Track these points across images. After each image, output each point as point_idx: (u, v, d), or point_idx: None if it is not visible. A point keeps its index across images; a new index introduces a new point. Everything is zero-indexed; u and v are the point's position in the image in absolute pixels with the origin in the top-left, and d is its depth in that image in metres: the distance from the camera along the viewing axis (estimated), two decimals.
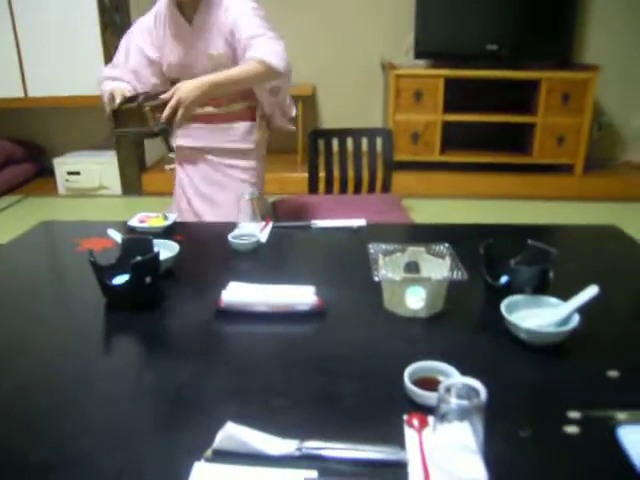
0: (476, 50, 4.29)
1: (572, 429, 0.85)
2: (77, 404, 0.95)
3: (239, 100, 2.08)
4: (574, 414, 0.88)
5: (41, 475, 0.79)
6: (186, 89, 1.74)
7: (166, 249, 1.38)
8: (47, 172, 4.80)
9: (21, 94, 4.44)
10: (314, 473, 0.77)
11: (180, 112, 1.72)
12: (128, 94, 1.83)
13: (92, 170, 4.53)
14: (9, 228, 2.30)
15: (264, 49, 1.84)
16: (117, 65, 2.04)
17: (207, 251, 1.57)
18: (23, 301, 1.33)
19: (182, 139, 2.16)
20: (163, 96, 1.74)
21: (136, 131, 1.75)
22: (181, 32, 1.98)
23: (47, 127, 4.90)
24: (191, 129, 2.10)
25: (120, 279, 1.25)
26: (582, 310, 1.08)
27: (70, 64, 4.20)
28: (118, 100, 1.77)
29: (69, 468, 0.80)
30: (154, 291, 1.28)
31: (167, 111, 1.70)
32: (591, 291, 1.09)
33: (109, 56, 4.09)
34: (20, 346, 1.13)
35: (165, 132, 1.76)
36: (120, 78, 1.99)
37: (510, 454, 0.81)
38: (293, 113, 2.30)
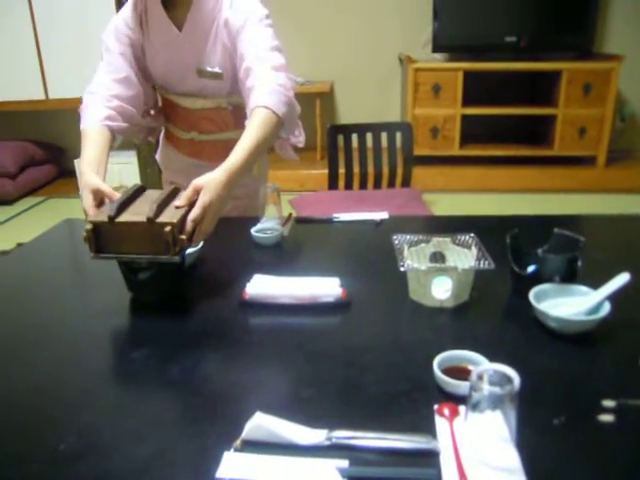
0: (495, 42, 4.25)
1: (607, 417, 0.84)
2: (105, 394, 0.96)
3: (232, 128, 1.71)
4: (608, 403, 0.86)
5: (72, 463, 0.79)
6: (212, 189, 1.24)
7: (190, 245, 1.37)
8: (68, 173, 4.85)
9: (42, 96, 4.49)
10: (345, 462, 0.76)
11: (206, 222, 1.23)
12: (110, 195, 1.29)
13: (112, 170, 4.51)
14: (32, 229, 2.33)
15: (269, 95, 1.45)
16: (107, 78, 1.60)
17: (230, 245, 1.57)
18: (48, 296, 1.34)
19: (172, 175, 1.88)
20: (177, 203, 1.22)
21: (149, 259, 1.18)
22: (167, 37, 1.60)
23: (68, 129, 4.95)
24: (179, 163, 1.83)
25: (144, 273, 1.25)
26: (613, 298, 1.06)
27: (90, 66, 4.22)
28: (108, 208, 1.19)
29: (99, 456, 0.80)
30: (179, 284, 1.28)
31: (190, 226, 1.19)
32: (622, 279, 1.07)
33: None
34: (47, 338, 1.14)
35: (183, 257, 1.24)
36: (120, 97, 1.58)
37: (544, 443, 0.80)
38: (300, 144, 1.84)
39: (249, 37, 1.53)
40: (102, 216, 1.18)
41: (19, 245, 2.00)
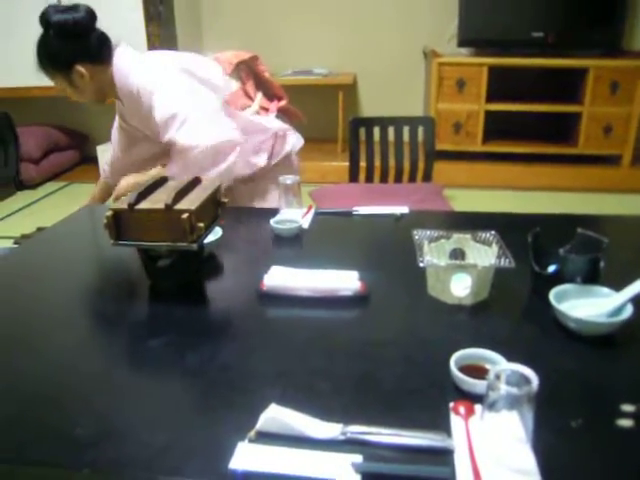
0: (521, 37, 4.18)
1: (626, 422, 0.82)
2: (123, 381, 0.97)
3: None
4: (628, 407, 0.85)
5: (87, 448, 0.80)
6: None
7: (209, 233, 1.38)
8: (90, 159, 4.89)
9: None
10: (359, 458, 0.76)
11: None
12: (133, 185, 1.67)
13: None
14: (54, 213, 2.35)
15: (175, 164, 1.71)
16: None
17: (249, 236, 1.57)
18: (68, 281, 1.35)
19: None
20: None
21: (167, 246, 1.19)
22: (122, 109, 1.89)
23: (91, 115, 4.97)
24: None
25: (164, 260, 1.25)
26: (636, 301, 1.04)
27: None
28: (129, 196, 1.21)
29: (115, 442, 0.81)
30: (197, 273, 1.28)
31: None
32: None
33: (152, 47, 4.13)
34: (66, 324, 1.15)
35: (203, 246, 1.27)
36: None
37: (560, 445, 0.79)
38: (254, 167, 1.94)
39: (154, 111, 1.70)
40: (123, 204, 1.19)
41: (39, 229, 2.02)
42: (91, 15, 1.74)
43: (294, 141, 2.03)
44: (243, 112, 1.85)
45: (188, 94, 1.72)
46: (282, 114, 2.06)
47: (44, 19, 1.70)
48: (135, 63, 1.76)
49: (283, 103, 2.01)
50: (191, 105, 1.69)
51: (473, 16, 4.18)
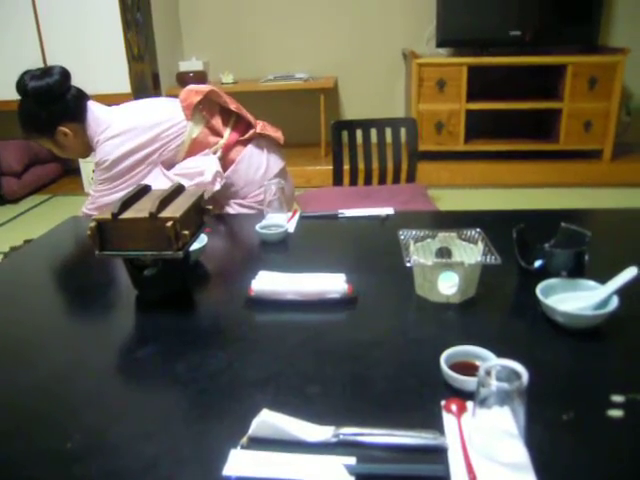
0: (499, 36, 4.22)
1: (616, 413, 0.83)
2: (113, 393, 0.96)
3: None
4: (618, 398, 0.85)
5: (79, 460, 0.79)
6: None
7: (194, 241, 1.37)
8: (73, 171, 4.85)
9: None
10: (352, 460, 0.76)
11: None
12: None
13: None
14: (37, 227, 2.33)
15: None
16: None
17: (235, 242, 1.57)
18: (53, 293, 1.34)
19: None
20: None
21: (152, 255, 1.18)
22: None
23: None
24: None
25: (150, 270, 1.24)
26: (621, 293, 1.05)
27: (92, 64, 4.23)
28: (112, 206, 1.18)
29: (106, 454, 0.80)
30: (184, 282, 1.28)
31: None
32: (630, 273, 1.06)
33: (131, 55, 4.12)
34: (52, 336, 1.14)
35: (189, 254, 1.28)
36: None
37: (552, 438, 0.79)
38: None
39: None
40: (106, 214, 1.18)
41: (26, 242, 2.01)
42: (65, 76, 1.79)
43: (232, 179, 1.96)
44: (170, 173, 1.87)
45: (117, 180, 1.87)
46: (263, 138, 2.01)
47: (21, 87, 1.75)
48: (96, 135, 1.84)
49: (247, 135, 1.96)
50: (108, 194, 1.90)
51: (451, 16, 4.21)
